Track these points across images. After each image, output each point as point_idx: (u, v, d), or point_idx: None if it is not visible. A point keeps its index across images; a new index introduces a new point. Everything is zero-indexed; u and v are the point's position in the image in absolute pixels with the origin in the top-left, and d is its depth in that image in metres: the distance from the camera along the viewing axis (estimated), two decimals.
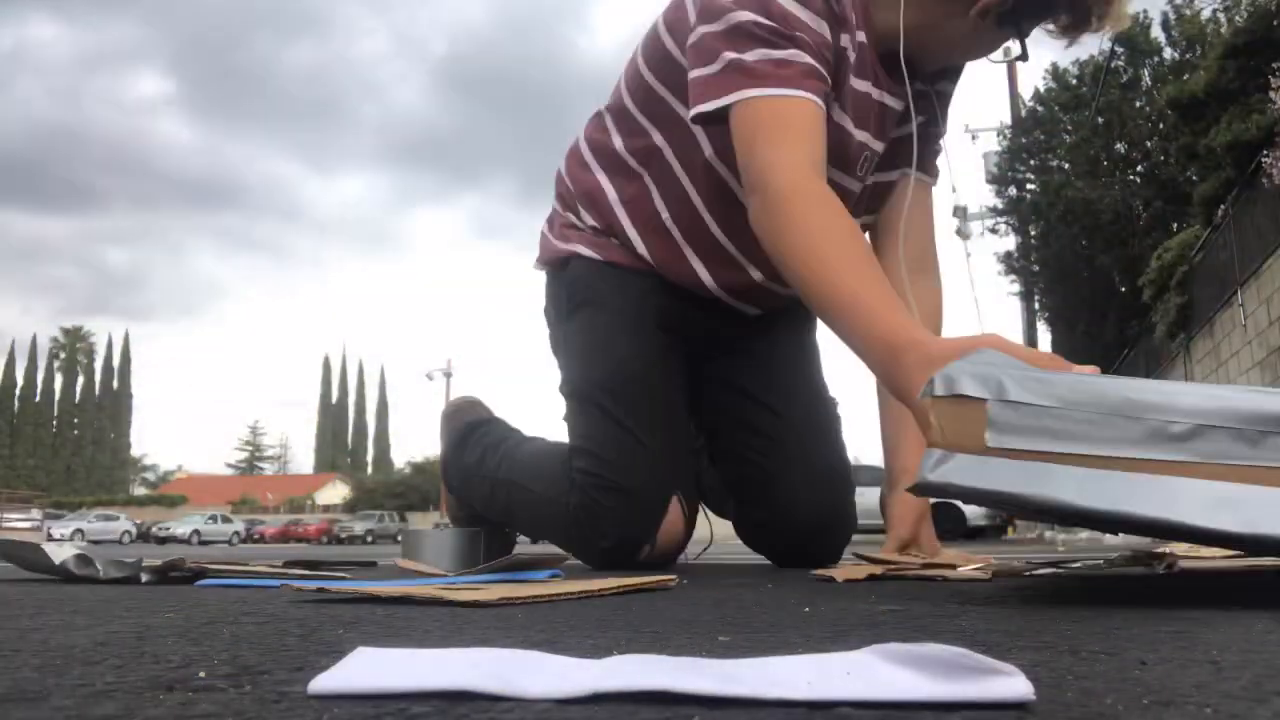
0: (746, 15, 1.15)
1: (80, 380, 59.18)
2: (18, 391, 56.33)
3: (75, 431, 57.54)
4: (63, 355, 60.39)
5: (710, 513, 1.62)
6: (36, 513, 31.63)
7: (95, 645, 0.45)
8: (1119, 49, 13.94)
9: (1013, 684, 0.29)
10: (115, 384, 59.70)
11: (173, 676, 0.36)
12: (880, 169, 1.40)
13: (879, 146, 1.36)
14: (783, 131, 1.12)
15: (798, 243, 1.05)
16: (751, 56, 1.14)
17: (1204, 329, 9.22)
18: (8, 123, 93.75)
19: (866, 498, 1.84)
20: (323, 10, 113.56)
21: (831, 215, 1.06)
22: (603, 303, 1.47)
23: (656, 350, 1.45)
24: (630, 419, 1.40)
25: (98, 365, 59.97)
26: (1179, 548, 1.41)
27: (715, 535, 1.67)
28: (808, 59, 1.15)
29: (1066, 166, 15.05)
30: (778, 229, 1.08)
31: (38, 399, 56.78)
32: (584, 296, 1.49)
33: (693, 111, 1.19)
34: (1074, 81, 15.66)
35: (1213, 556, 1.39)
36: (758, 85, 1.13)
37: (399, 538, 1.23)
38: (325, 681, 0.32)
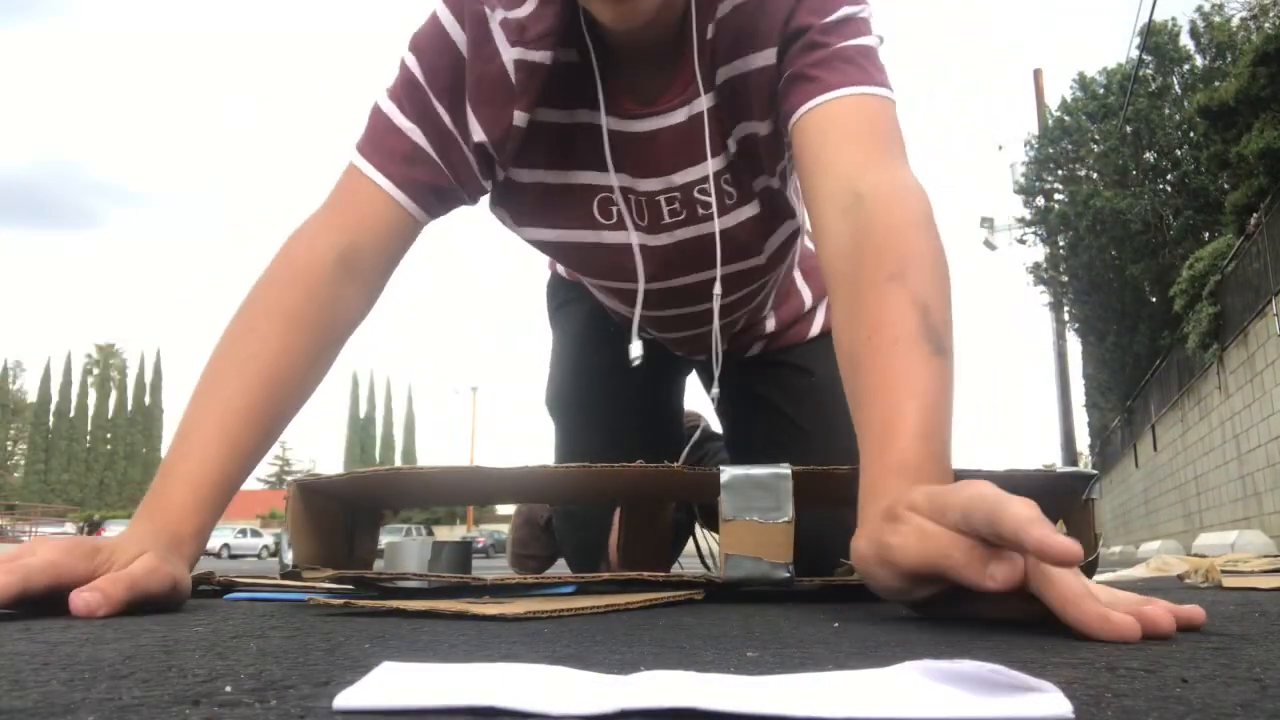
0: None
1: (113, 395, 60.00)
2: (52, 408, 57.21)
3: (108, 446, 58.29)
4: (96, 371, 61.26)
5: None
6: (70, 526, 32.03)
7: (123, 659, 0.45)
8: (1147, 57, 13.82)
9: (1051, 701, 0.28)
10: (147, 399, 60.44)
11: (199, 691, 0.36)
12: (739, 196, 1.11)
13: (652, 185, 1.08)
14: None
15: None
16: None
17: (1237, 339, 9.08)
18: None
19: None
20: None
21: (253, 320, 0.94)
22: (567, 311, 1.49)
23: (613, 359, 1.35)
24: (572, 438, 1.45)
25: (130, 380, 60.78)
26: (1216, 563, 1.39)
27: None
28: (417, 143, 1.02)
29: (1095, 176, 14.93)
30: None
31: (72, 415, 57.62)
32: (557, 302, 1.52)
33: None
34: (1101, 90, 15.55)
35: (1251, 572, 1.37)
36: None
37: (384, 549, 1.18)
38: (350, 697, 0.32)
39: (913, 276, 0.78)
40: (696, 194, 1.09)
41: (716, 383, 1.14)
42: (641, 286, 1.13)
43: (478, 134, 1.01)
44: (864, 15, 0.99)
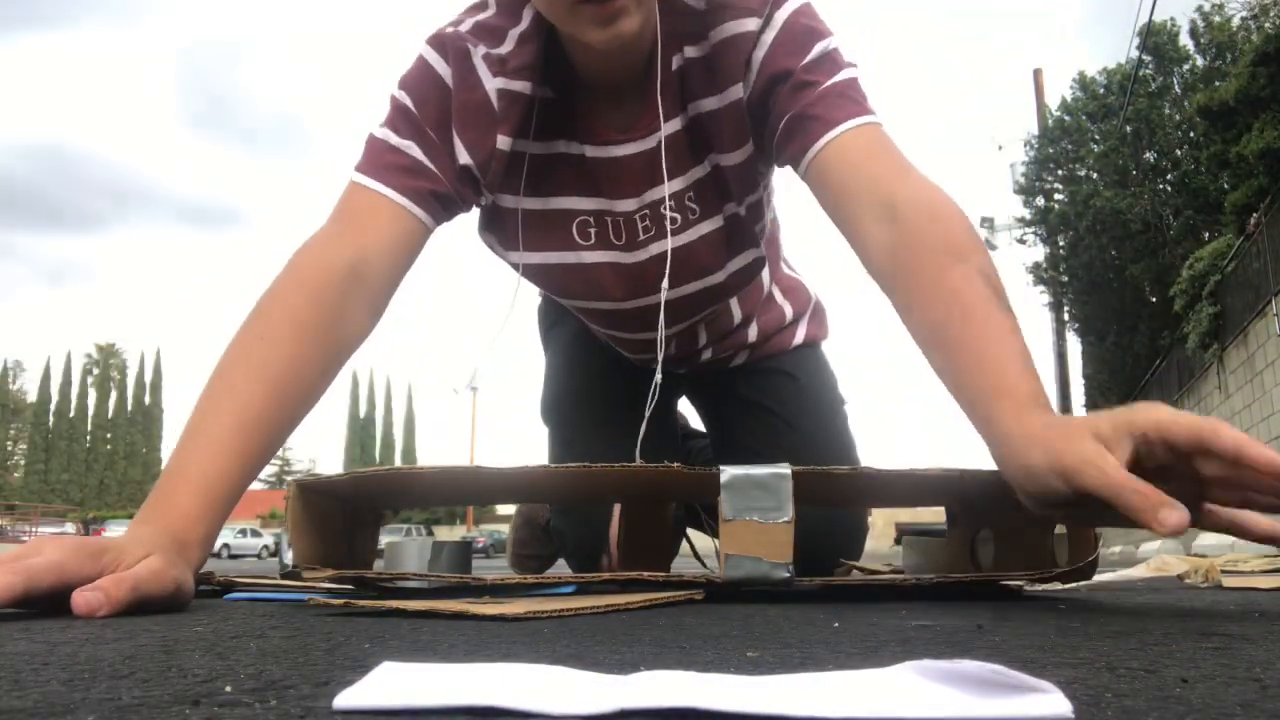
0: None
1: (113, 395, 59.91)
2: (52, 408, 57.13)
3: (108, 446, 58.20)
4: (96, 371, 61.18)
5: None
6: (70, 526, 32.02)
7: (123, 659, 0.45)
8: (1147, 57, 13.82)
9: (1051, 701, 0.28)
10: (147, 399, 60.38)
11: (199, 691, 0.36)
12: (706, 209, 1.17)
13: (629, 205, 1.15)
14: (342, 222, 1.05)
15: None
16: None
17: (1237, 339, 9.08)
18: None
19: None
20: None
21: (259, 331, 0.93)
22: (558, 330, 1.54)
23: (602, 368, 1.45)
24: (567, 440, 1.47)
25: (130, 380, 60.70)
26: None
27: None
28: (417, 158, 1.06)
29: (1095, 176, 14.91)
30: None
31: (72, 414, 57.53)
32: (549, 323, 1.57)
33: None
34: (1101, 90, 15.53)
35: (1251, 572, 1.37)
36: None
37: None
38: (350, 697, 0.32)
39: (970, 256, 0.88)
40: (663, 210, 1.15)
41: (660, 369, 1.17)
42: (619, 305, 1.22)
43: (463, 157, 1.08)
44: (835, 45, 1.06)
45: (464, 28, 1.08)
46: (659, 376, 1.17)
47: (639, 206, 1.16)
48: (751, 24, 1.04)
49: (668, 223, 1.16)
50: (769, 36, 1.05)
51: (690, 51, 1.08)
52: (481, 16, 1.09)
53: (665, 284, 1.15)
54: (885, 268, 0.94)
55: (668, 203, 1.15)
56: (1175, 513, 0.61)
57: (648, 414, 1.17)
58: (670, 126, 1.11)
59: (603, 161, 1.13)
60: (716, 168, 1.14)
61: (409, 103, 1.08)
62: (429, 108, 1.07)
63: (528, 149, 1.12)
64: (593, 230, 1.18)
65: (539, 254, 1.20)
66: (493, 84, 1.06)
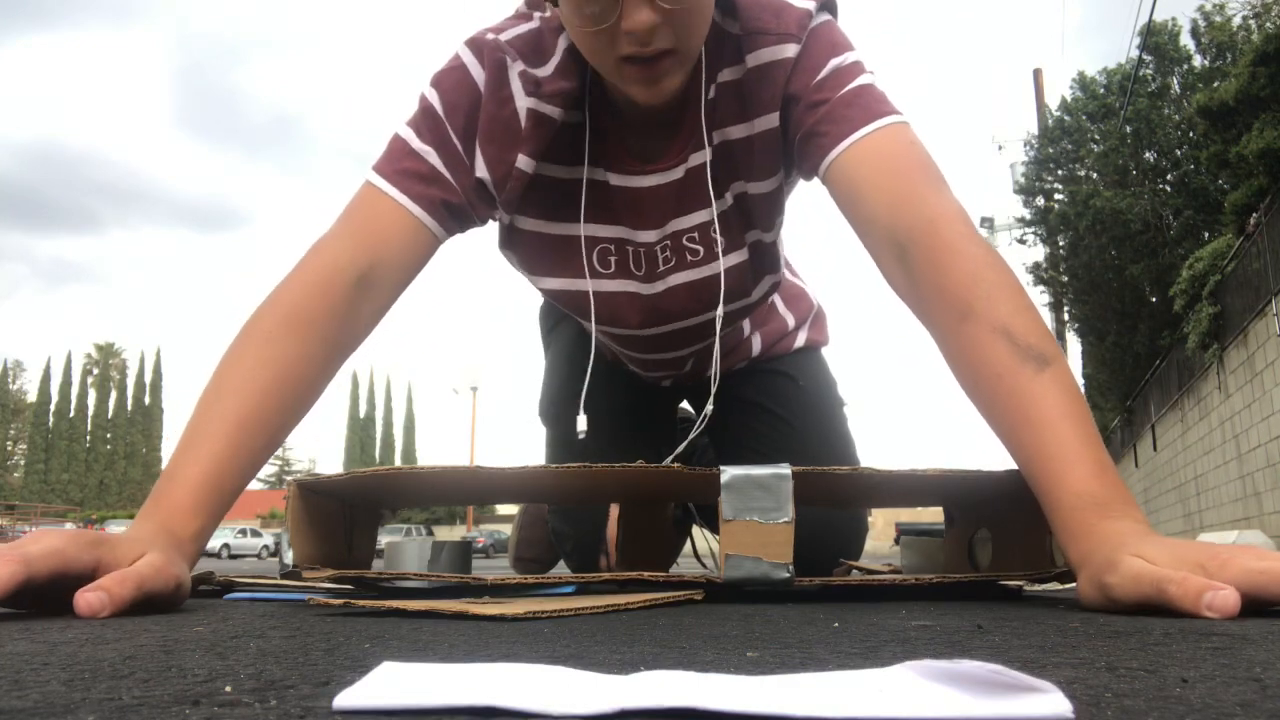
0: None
1: (113, 395, 59.92)
2: (52, 408, 57.12)
3: (108, 446, 58.20)
4: (95, 371, 61.17)
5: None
6: (70, 526, 32.04)
7: (123, 659, 0.45)
8: (1147, 57, 13.81)
9: (1051, 701, 0.28)
10: (147, 399, 60.39)
11: (199, 691, 0.36)
12: (734, 231, 1.16)
13: (650, 236, 1.14)
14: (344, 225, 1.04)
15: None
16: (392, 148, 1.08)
17: (1237, 339, 9.08)
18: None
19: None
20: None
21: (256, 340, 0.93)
22: (560, 330, 1.53)
23: (601, 370, 1.44)
24: (565, 441, 1.48)
25: (130, 380, 60.68)
26: None
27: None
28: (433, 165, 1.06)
29: (1095, 176, 14.91)
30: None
31: (72, 414, 57.53)
32: (550, 324, 1.57)
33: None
34: (1101, 90, 15.54)
35: None
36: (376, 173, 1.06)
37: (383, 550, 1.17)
38: (350, 697, 0.32)
39: (980, 307, 0.83)
40: (685, 241, 1.15)
41: (712, 399, 1.18)
42: (641, 333, 1.22)
43: (480, 170, 1.07)
44: (849, 61, 1.03)
45: (505, 37, 1.06)
46: (705, 413, 1.16)
47: (660, 238, 1.15)
48: (790, 50, 1.02)
49: (688, 254, 1.15)
50: (800, 61, 1.03)
51: (723, 77, 1.06)
52: (525, 29, 1.07)
53: (720, 310, 1.15)
54: (910, 308, 0.95)
55: (710, 230, 1.13)
56: (1219, 595, 0.60)
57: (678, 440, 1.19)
58: (698, 157, 1.09)
59: (627, 191, 1.12)
60: (742, 196, 1.13)
61: (438, 105, 1.07)
62: (458, 115, 1.06)
63: (552, 173, 1.11)
64: (613, 259, 1.17)
65: (558, 279, 1.19)
66: (524, 102, 1.05)
